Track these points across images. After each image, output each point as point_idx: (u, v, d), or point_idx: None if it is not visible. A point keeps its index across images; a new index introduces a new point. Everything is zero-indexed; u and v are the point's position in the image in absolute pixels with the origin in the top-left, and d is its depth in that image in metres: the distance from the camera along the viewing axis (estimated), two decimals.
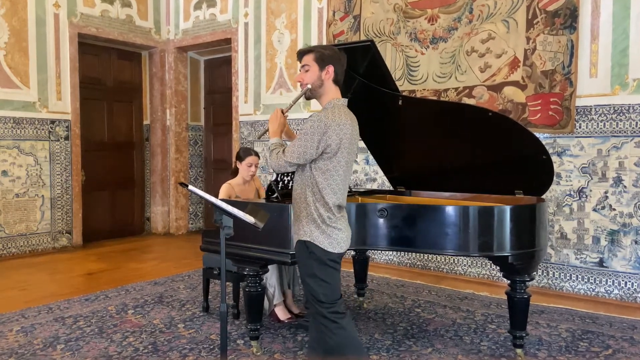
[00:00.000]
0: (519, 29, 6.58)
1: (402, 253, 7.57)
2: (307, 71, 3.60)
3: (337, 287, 3.58)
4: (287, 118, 3.92)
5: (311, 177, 3.51)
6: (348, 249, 3.72)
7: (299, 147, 3.46)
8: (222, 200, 3.94)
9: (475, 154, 4.99)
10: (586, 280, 6.33)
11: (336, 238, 3.52)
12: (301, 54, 3.66)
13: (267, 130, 3.84)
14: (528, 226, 4.46)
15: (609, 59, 6.13)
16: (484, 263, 7.02)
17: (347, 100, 3.65)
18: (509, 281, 4.58)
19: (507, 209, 4.32)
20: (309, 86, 3.59)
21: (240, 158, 5.61)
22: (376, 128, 5.27)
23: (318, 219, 3.49)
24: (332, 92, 3.60)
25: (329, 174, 3.47)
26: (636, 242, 6.01)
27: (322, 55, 3.57)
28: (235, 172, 5.72)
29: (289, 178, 4.83)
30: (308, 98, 3.70)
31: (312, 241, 3.50)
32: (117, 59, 10.34)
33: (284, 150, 3.59)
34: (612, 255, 6.16)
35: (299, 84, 3.70)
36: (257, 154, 5.66)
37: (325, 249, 3.49)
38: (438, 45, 7.18)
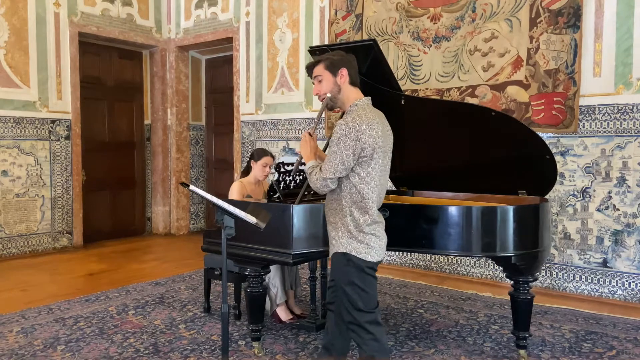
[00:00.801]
0: (522, 27, 6.56)
1: (405, 253, 7.56)
2: (320, 82, 3.55)
3: (375, 295, 3.53)
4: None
5: (349, 186, 3.43)
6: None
7: (335, 160, 3.36)
8: (224, 200, 3.91)
9: (478, 154, 4.95)
10: (590, 280, 6.32)
11: (374, 246, 3.45)
12: (310, 68, 3.62)
13: (300, 159, 3.72)
14: (531, 226, 4.42)
15: (612, 58, 6.11)
16: (487, 263, 7.01)
17: (370, 98, 3.58)
18: (512, 282, 4.56)
19: (510, 209, 4.29)
20: (329, 95, 3.53)
21: (255, 157, 5.57)
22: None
23: (354, 229, 3.41)
24: (352, 95, 3.53)
25: (369, 177, 3.39)
26: None
27: (332, 61, 3.51)
28: (246, 171, 5.69)
29: (290, 178, 4.79)
30: (331, 109, 3.66)
31: (349, 252, 3.42)
32: (117, 58, 10.31)
33: (320, 168, 3.48)
34: (616, 256, 6.14)
35: (316, 96, 3.64)
36: (272, 156, 5.63)
37: (364, 258, 3.43)
38: (441, 44, 7.17)
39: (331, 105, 3.61)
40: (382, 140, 3.40)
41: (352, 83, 3.53)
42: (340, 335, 3.61)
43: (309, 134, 3.69)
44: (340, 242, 3.47)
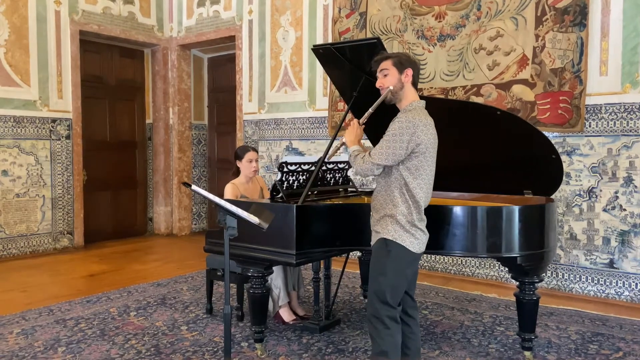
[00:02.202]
0: (528, 26, 6.54)
1: None
2: (385, 75, 3.71)
3: (402, 293, 3.69)
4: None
5: (399, 178, 3.59)
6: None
7: (388, 149, 3.54)
8: (226, 200, 3.87)
9: (483, 153, 4.93)
10: (596, 281, 6.30)
11: (419, 238, 3.63)
12: (378, 62, 3.76)
13: (343, 143, 3.95)
14: (537, 227, 4.41)
15: (619, 57, 6.09)
16: (492, 264, 6.99)
17: (424, 102, 3.76)
18: (517, 282, 4.54)
19: (516, 209, 4.27)
20: (391, 88, 3.68)
21: (239, 157, 5.57)
22: (383, 127, 5.19)
23: (404, 219, 3.57)
24: (411, 94, 3.72)
25: (418, 172, 3.57)
26: None
27: (400, 59, 3.70)
28: (236, 173, 5.66)
29: (293, 178, 4.78)
30: (388, 102, 3.77)
31: (394, 240, 3.57)
32: (119, 56, 10.29)
33: (370, 153, 3.66)
34: (622, 256, 6.12)
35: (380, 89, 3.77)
36: (255, 150, 5.62)
37: (408, 247, 3.58)
38: (445, 42, 7.15)
39: (390, 99, 3.74)
40: (433, 142, 3.63)
41: (413, 84, 3.73)
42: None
43: (359, 122, 3.89)
44: (386, 229, 3.62)
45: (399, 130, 3.50)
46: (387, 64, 3.70)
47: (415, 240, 3.59)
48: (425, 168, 3.57)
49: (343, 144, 3.97)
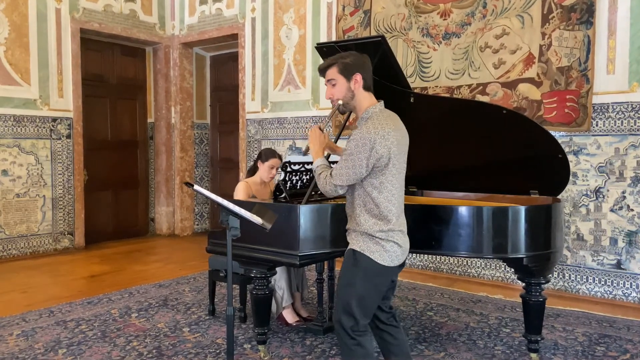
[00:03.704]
0: (534, 24, 6.51)
1: (414, 255, 7.51)
2: (334, 85, 3.50)
3: (373, 305, 3.50)
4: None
5: (363, 194, 3.40)
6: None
7: (348, 169, 3.34)
8: (229, 200, 3.82)
9: (489, 153, 4.91)
10: (603, 282, 6.28)
11: (390, 250, 3.39)
12: (323, 70, 3.55)
13: (307, 149, 3.76)
14: (543, 227, 4.39)
15: (626, 55, 6.07)
16: (498, 265, 6.97)
17: (383, 102, 3.53)
18: (523, 284, 4.52)
19: (522, 209, 4.26)
20: (340, 102, 3.50)
21: (263, 158, 5.54)
22: None
23: (371, 231, 3.37)
24: (365, 101, 3.48)
25: (383, 186, 3.36)
26: None
27: (345, 65, 3.45)
28: (252, 171, 5.66)
29: (297, 178, 4.77)
30: (343, 112, 3.64)
31: (362, 252, 3.38)
32: (120, 55, 10.26)
33: (331, 173, 3.46)
34: (630, 257, 6.10)
35: (329, 100, 3.59)
36: (280, 158, 5.59)
37: (376, 260, 3.37)
38: (451, 40, 7.12)
39: (343, 110, 3.59)
40: (397, 148, 3.36)
41: (366, 88, 3.48)
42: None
43: (320, 128, 3.72)
44: (354, 240, 3.45)
45: (356, 148, 3.29)
46: (332, 73, 3.47)
47: (386, 252, 3.36)
48: (390, 180, 3.36)
49: (307, 149, 3.75)
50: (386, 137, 3.28)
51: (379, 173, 3.33)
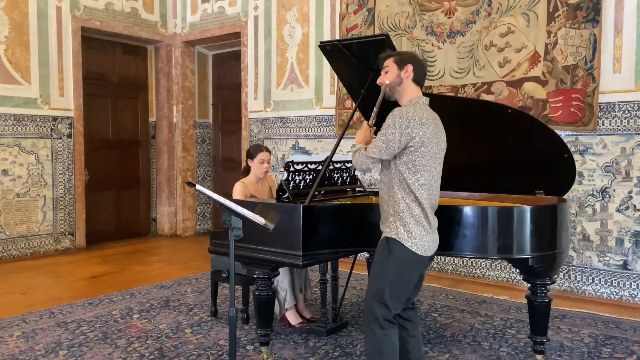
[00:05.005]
0: (540, 22, 6.48)
1: None
2: (386, 72, 3.72)
3: (404, 295, 3.63)
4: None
5: (398, 173, 3.53)
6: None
7: (381, 142, 3.50)
8: (232, 200, 3.79)
9: (494, 152, 4.89)
10: (609, 283, 6.25)
11: (423, 239, 3.51)
12: (382, 60, 3.77)
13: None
14: (549, 227, 4.34)
15: (633, 54, 6.04)
16: (503, 266, 6.95)
17: (428, 99, 3.71)
18: (529, 284, 4.47)
19: (528, 209, 4.21)
20: (387, 82, 3.68)
21: (251, 155, 5.53)
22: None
23: (407, 216, 3.49)
24: (412, 91, 3.67)
25: (415, 168, 3.48)
26: None
27: (401, 56, 3.71)
28: (246, 171, 5.64)
29: (300, 177, 4.74)
30: (388, 98, 3.76)
31: (396, 239, 3.50)
32: (121, 53, 10.24)
33: (366, 148, 3.66)
34: (636, 258, 6.08)
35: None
36: (268, 150, 5.58)
37: (410, 248, 3.48)
38: (455, 39, 7.09)
39: (389, 95, 3.74)
40: (433, 137, 3.51)
41: (415, 81, 3.67)
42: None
43: (368, 124, 3.87)
44: (389, 228, 3.57)
45: (392, 124, 3.46)
46: (388, 62, 3.71)
47: (419, 241, 3.48)
48: (423, 163, 3.48)
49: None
50: (423, 120, 3.45)
51: (412, 154, 3.46)
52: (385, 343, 3.51)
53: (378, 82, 3.77)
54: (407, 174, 3.47)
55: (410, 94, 3.65)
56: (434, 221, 3.60)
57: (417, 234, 3.47)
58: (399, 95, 3.69)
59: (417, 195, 3.47)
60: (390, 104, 3.74)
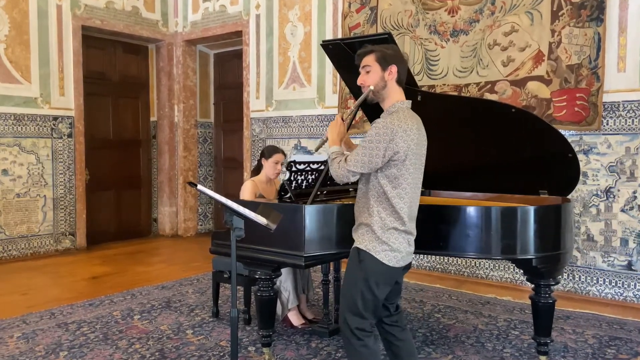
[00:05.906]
0: (544, 21, 6.46)
1: (421, 256, 7.48)
2: (368, 72, 3.49)
3: (377, 305, 3.49)
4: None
5: (377, 186, 3.39)
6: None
7: (364, 156, 3.34)
8: (233, 200, 3.75)
9: (498, 152, 4.87)
10: (614, 284, 6.24)
11: (397, 251, 3.39)
12: (361, 56, 3.55)
13: (326, 139, 3.73)
14: (553, 228, 4.34)
15: (637, 53, 6.02)
16: (506, 266, 6.93)
17: (411, 102, 3.55)
18: (533, 285, 4.46)
19: (531, 209, 4.20)
20: (372, 88, 3.47)
21: (265, 155, 5.53)
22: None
23: (379, 230, 3.37)
24: (396, 94, 3.48)
25: (397, 181, 3.35)
26: None
27: (384, 55, 3.46)
28: (257, 170, 5.64)
29: (302, 177, 4.71)
30: (370, 102, 3.59)
31: (367, 251, 3.38)
32: (122, 52, 10.23)
33: (346, 159, 3.46)
34: None
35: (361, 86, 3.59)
36: (283, 152, 5.58)
37: (382, 260, 3.37)
38: (459, 38, 7.07)
39: (371, 99, 3.54)
40: (416, 147, 3.37)
41: (399, 82, 3.50)
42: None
43: (342, 118, 3.72)
44: (360, 239, 3.45)
45: (376, 137, 3.29)
46: (369, 60, 3.48)
47: (392, 252, 3.36)
48: (406, 177, 3.35)
49: (326, 140, 3.76)
50: (408, 132, 3.29)
51: (395, 168, 3.32)
52: (364, 354, 3.42)
53: (359, 82, 3.56)
54: (387, 187, 3.35)
55: (393, 97, 3.47)
56: (413, 230, 3.49)
57: (391, 246, 3.36)
58: (381, 98, 3.51)
59: (397, 209, 3.35)
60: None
